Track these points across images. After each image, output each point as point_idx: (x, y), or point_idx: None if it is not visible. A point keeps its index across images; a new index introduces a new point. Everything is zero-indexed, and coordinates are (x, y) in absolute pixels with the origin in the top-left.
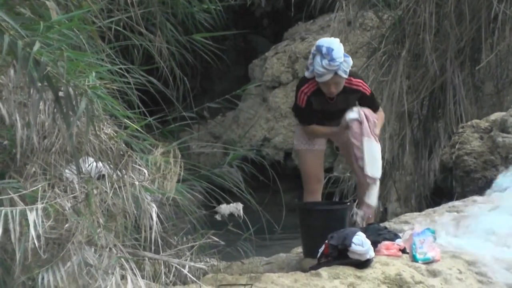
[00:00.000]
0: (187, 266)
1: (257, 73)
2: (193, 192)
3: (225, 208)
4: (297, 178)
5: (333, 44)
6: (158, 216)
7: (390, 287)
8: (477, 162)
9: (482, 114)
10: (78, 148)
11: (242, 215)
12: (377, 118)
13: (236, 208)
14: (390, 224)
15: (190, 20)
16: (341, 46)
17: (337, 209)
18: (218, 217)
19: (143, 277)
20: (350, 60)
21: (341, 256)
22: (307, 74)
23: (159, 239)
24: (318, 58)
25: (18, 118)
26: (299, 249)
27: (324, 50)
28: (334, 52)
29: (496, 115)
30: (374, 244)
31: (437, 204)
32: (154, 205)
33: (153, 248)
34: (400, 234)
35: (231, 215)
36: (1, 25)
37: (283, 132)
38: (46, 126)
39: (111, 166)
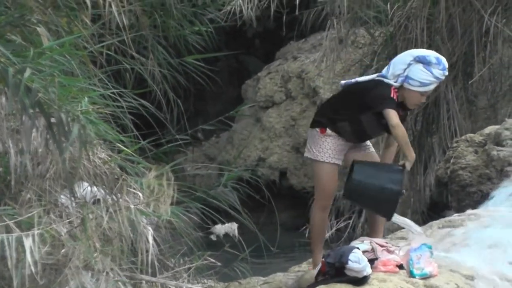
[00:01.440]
0: None
1: (250, 94)
2: (188, 214)
3: (220, 229)
4: (293, 197)
5: (438, 55)
6: (154, 239)
7: None
8: (472, 176)
9: (476, 128)
10: (72, 173)
11: (237, 235)
12: None
13: (231, 228)
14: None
15: (182, 42)
16: None
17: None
18: (213, 237)
19: None
20: None
21: (338, 273)
22: (393, 82)
23: (156, 262)
24: (420, 67)
25: (11, 145)
26: (296, 268)
27: (433, 60)
28: (443, 62)
29: (490, 129)
30: (371, 260)
31: (434, 219)
32: (150, 228)
33: (150, 271)
34: (397, 251)
35: (227, 235)
36: None
37: (277, 151)
38: (40, 153)
39: (106, 190)
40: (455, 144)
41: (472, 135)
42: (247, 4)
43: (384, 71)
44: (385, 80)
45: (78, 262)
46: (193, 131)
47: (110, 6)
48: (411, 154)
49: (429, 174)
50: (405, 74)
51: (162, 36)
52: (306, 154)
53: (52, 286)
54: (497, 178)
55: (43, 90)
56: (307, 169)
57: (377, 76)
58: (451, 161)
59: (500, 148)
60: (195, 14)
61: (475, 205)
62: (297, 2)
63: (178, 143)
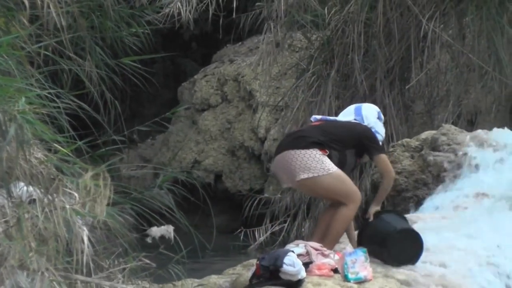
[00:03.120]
0: None
1: (187, 96)
2: (124, 215)
3: (156, 231)
4: (228, 200)
5: None
6: (89, 239)
7: None
8: (408, 181)
9: (412, 133)
10: (8, 173)
11: (172, 237)
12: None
13: (167, 230)
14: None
15: (119, 44)
16: None
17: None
18: (149, 239)
19: None
20: None
21: (273, 277)
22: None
23: (90, 262)
24: (380, 123)
25: None
26: (231, 271)
27: (381, 116)
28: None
29: (427, 134)
30: (306, 264)
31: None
32: (85, 229)
33: (85, 271)
34: (332, 255)
35: (163, 237)
36: None
37: (213, 154)
38: None
39: (41, 190)
40: (391, 149)
41: (408, 140)
42: (185, 6)
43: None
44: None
45: (14, 261)
46: (129, 132)
47: (48, 7)
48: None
49: (364, 178)
50: (372, 126)
51: (99, 37)
52: (305, 175)
53: None
54: (433, 184)
55: None
56: (242, 172)
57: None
58: None
59: (436, 153)
60: (133, 15)
61: (410, 210)
62: (235, 6)
63: (116, 146)
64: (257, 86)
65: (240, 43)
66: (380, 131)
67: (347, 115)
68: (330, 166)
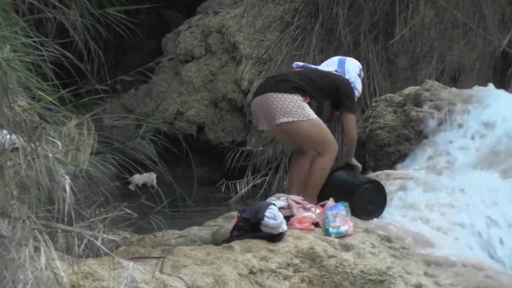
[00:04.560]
0: (100, 238)
1: (170, 47)
2: (106, 165)
3: (138, 178)
4: (209, 151)
5: None
6: (71, 188)
7: (303, 261)
8: (391, 136)
9: (395, 88)
10: None
11: (155, 184)
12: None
13: (150, 177)
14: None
15: None
16: None
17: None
18: (132, 187)
19: (56, 249)
20: None
21: (253, 229)
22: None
23: (72, 212)
24: (360, 81)
25: None
26: (212, 222)
27: (362, 73)
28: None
29: (410, 89)
30: (287, 217)
31: None
32: (67, 177)
33: (66, 220)
34: (313, 208)
35: (144, 187)
36: None
37: (196, 106)
38: None
39: (24, 138)
40: (374, 104)
41: (391, 95)
42: None
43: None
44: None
45: None
46: (112, 81)
47: None
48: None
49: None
50: (352, 81)
51: None
52: (285, 119)
53: None
54: (416, 139)
55: None
56: (225, 124)
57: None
58: (370, 120)
59: (419, 109)
60: None
61: (392, 165)
62: None
63: (99, 95)
64: (241, 39)
65: None
66: (358, 87)
67: (330, 65)
68: (310, 113)
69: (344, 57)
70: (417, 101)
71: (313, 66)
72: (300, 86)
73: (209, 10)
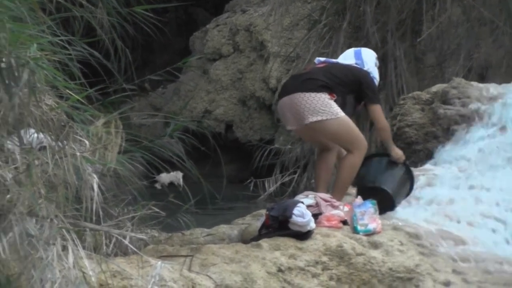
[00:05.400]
0: (128, 237)
1: (198, 46)
2: (134, 163)
3: (165, 177)
4: (238, 150)
5: None
6: (99, 186)
7: (331, 259)
8: (418, 133)
9: (423, 85)
10: (19, 119)
11: (182, 183)
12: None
13: (176, 176)
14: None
15: None
16: None
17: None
18: (158, 186)
19: (84, 248)
20: None
21: (282, 227)
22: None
23: (100, 210)
24: (377, 70)
25: None
26: (240, 220)
27: (378, 62)
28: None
29: (438, 87)
30: (315, 215)
31: None
32: (95, 176)
33: (94, 219)
34: (341, 206)
35: (172, 185)
36: None
37: (224, 104)
38: None
39: (52, 137)
40: (402, 101)
41: (419, 92)
42: None
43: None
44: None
45: (23, 208)
46: (140, 81)
47: None
48: (395, 150)
49: (375, 130)
50: (371, 71)
51: None
52: (314, 119)
53: None
54: (443, 137)
55: None
56: (253, 122)
57: (355, 64)
58: (398, 118)
59: (446, 106)
60: None
61: (420, 162)
62: None
63: (126, 93)
64: (268, 37)
65: None
66: (376, 77)
67: (347, 57)
68: (338, 111)
69: (358, 48)
70: (445, 99)
71: (334, 60)
72: (326, 84)
73: (236, 9)
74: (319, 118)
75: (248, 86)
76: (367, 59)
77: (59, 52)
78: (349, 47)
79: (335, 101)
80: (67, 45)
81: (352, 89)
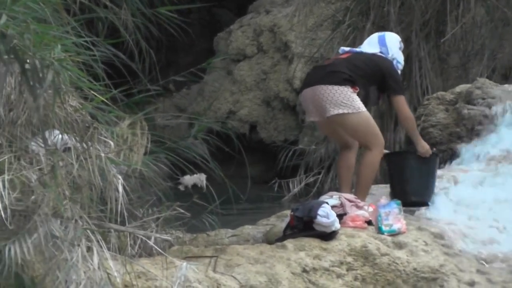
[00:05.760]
0: (152, 238)
1: (222, 46)
2: (158, 164)
3: (188, 179)
4: (262, 151)
5: None
6: (124, 188)
7: (356, 259)
8: (443, 134)
9: (447, 86)
10: (44, 121)
11: (205, 185)
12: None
13: (200, 179)
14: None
15: None
16: None
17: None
18: (181, 187)
19: (109, 249)
20: None
21: (306, 228)
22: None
23: (124, 211)
24: (401, 54)
25: None
26: (265, 221)
27: (402, 45)
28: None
29: (462, 87)
30: (340, 216)
31: None
32: (119, 177)
33: (119, 220)
34: (366, 206)
35: (195, 186)
36: None
37: (248, 105)
38: (12, 99)
39: (76, 138)
40: (426, 102)
41: (443, 93)
42: None
43: (378, 50)
44: (394, 62)
45: (47, 209)
46: (164, 82)
47: None
48: (421, 144)
49: (399, 131)
50: (395, 57)
51: None
52: (337, 111)
53: (21, 232)
54: (467, 137)
55: (18, 37)
56: (277, 123)
57: (380, 53)
58: (422, 118)
59: (470, 106)
60: None
61: (444, 163)
62: None
63: (150, 93)
64: (293, 37)
65: None
66: (401, 60)
67: (371, 44)
68: (360, 105)
69: (382, 33)
70: (469, 99)
71: (358, 49)
72: (349, 77)
73: (260, 9)
74: (341, 111)
75: (272, 87)
76: (391, 45)
77: (83, 53)
78: None
79: (358, 94)
80: (91, 46)
81: (375, 80)
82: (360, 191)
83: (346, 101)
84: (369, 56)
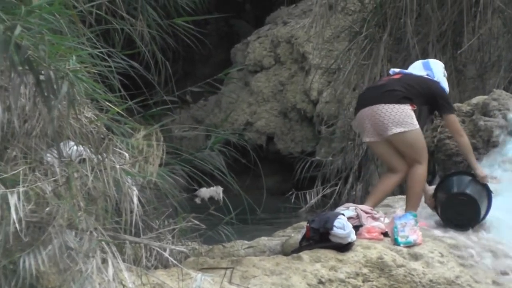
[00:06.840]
0: (168, 249)
1: (239, 57)
2: (174, 176)
3: (205, 192)
4: (279, 162)
5: None
6: (139, 199)
7: (371, 271)
8: None
9: (464, 97)
10: (59, 132)
11: (221, 198)
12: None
13: (216, 191)
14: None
15: (172, 4)
16: None
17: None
18: (198, 200)
19: (124, 261)
20: None
21: (322, 239)
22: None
23: (140, 223)
24: (446, 80)
25: None
26: (281, 233)
27: (445, 72)
28: None
29: (478, 99)
30: (356, 227)
31: None
32: (135, 189)
33: (134, 231)
34: (382, 218)
35: (212, 199)
36: None
37: (265, 116)
38: (27, 110)
39: (91, 149)
40: None
41: (459, 104)
42: None
43: (424, 73)
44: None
45: (62, 220)
46: (181, 93)
47: None
48: (480, 170)
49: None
50: (440, 81)
51: None
52: (398, 130)
53: (35, 244)
54: (484, 148)
55: (33, 48)
56: (295, 134)
57: (426, 75)
58: (438, 130)
59: (487, 118)
60: None
61: None
62: None
63: (167, 106)
64: (310, 49)
65: (293, 5)
66: (446, 87)
67: (416, 69)
68: (416, 122)
69: (426, 60)
70: (485, 111)
71: (407, 71)
72: (407, 95)
73: (278, 21)
74: (402, 129)
75: (289, 98)
76: (436, 70)
77: (99, 64)
78: (390, 59)
79: (414, 111)
80: (107, 57)
81: (426, 100)
82: (413, 204)
83: (407, 119)
84: (419, 77)
